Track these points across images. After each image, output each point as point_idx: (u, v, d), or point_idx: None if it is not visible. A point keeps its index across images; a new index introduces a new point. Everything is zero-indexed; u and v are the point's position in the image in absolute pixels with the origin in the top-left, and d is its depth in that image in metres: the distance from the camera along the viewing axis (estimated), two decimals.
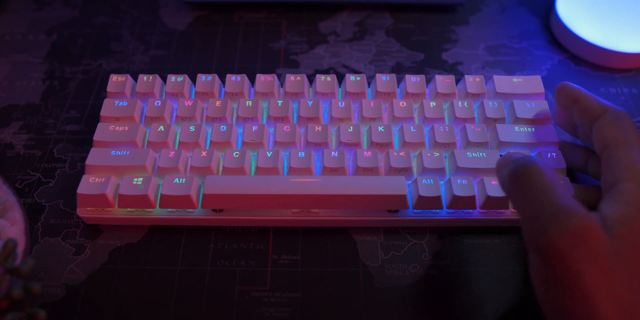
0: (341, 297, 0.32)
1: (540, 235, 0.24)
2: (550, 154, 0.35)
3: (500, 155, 0.36)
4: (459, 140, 0.37)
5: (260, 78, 0.39)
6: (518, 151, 0.30)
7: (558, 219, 0.24)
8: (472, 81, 0.39)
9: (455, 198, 0.33)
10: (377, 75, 0.39)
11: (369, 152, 0.35)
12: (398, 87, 0.40)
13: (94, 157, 0.35)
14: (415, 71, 0.45)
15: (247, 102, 0.38)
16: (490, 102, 0.38)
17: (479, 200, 0.34)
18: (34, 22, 0.49)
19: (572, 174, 0.37)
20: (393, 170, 0.35)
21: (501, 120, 0.37)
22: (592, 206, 0.34)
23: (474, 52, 0.46)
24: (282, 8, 0.50)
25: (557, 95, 0.34)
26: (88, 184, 0.34)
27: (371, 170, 0.35)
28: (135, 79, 0.42)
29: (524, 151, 0.35)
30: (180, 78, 0.39)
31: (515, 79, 0.39)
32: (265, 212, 0.35)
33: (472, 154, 0.35)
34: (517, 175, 0.27)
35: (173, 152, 0.35)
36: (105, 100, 0.38)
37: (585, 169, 0.35)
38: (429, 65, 0.45)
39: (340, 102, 0.38)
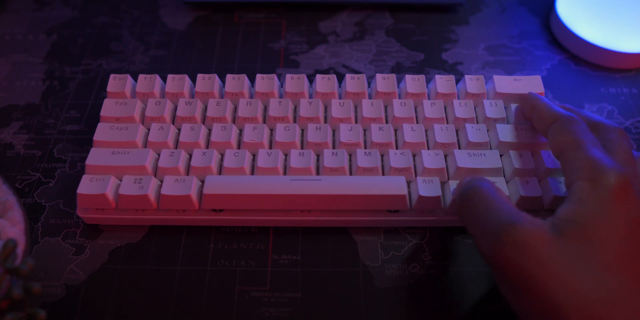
0: (341, 297, 0.32)
1: (490, 250, 0.26)
2: (551, 154, 0.35)
3: (500, 156, 0.36)
4: (459, 140, 0.37)
5: (260, 78, 0.39)
6: (473, 175, 0.32)
7: (500, 233, 0.26)
8: (472, 81, 0.39)
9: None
10: (377, 75, 0.39)
11: (369, 152, 0.35)
12: (398, 87, 0.40)
13: (94, 157, 0.35)
14: (415, 71, 0.45)
15: (247, 102, 0.38)
16: (490, 102, 0.38)
17: None
18: (34, 22, 0.49)
19: None
20: (393, 170, 0.35)
21: (501, 120, 0.37)
22: None
23: (474, 52, 0.46)
24: (282, 8, 0.50)
25: (522, 105, 0.36)
26: (88, 184, 0.34)
27: (371, 170, 0.35)
28: (135, 79, 0.42)
29: (521, 153, 0.35)
30: (180, 78, 0.39)
31: (515, 79, 0.39)
32: (265, 212, 0.35)
33: (472, 154, 0.35)
34: (462, 199, 0.30)
35: (173, 152, 0.35)
36: (105, 100, 0.38)
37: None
38: (429, 65, 0.45)
39: (340, 102, 0.38)
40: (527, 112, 0.35)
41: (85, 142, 0.40)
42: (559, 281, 0.24)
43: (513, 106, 0.37)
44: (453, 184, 0.34)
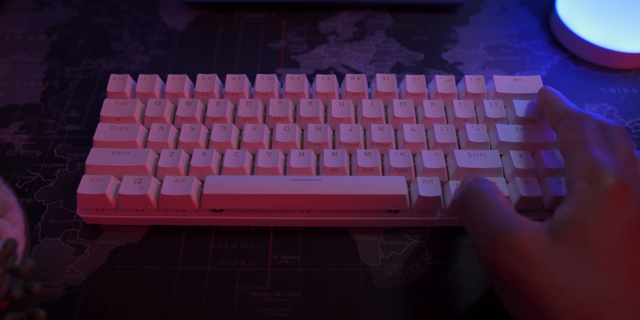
0: (341, 297, 0.32)
1: (484, 254, 0.26)
2: (551, 154, 0.35)
3: (500, 156, 0.36)
4: (459, 140, 0.37)
5: (260, 78, 0.39)
6: (474, 175, 0.32)
7: (495, 237, 0.26)
8: (472, 81, 0.39)
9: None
10: (377, 75, 0.39)
11: (369, 152, 0.35)
12: (398, 87, 0.40)
13: (94, 157, 0.35)
14: (415, 71, 0.45)
15: (247, 102, 0.38)
16: (490, 102, 0.38)
17: None
18: (34, 22, 0.49)
19: None
20: (393, 170, 0.35)
21: (501, 120, 0.37)
22: None
23: (474, 52, 0.46)
24: (282, 8, 0.50)
25: (537, 99, 0.36)
26: (88, 184, 0.34)
27: (371, 170, 0.35)
28: (135, 79, 0.42)
29: (521, 153, 0.35)
30: (180, 78, 0.39)
31: (515, 79, 0.39)
32: (265, 212, 0.35)
33: (472, 154, 0.35)
34: (461, 202, 0.30)
35: (173, 152, 0.35)
36: (105, 100, 0.38)
37: None
38: (429, 65, 0.45)
39: (340, 102, 0.38)
40: (539, 106, 0.35)
41: (85, 142, 0.40)
42: (552, 284, 0.24)
43: (515, 103, 0.37)
44: (453, 184, 0.34)
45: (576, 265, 0.24)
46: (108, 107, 0.38)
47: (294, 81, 0.39)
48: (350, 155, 0.36)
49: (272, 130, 0.38)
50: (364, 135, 0.37)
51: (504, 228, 0.26)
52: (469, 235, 0.28)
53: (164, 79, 0.40)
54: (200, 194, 0.34)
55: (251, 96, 0.40)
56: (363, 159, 0.35)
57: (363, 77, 0.39)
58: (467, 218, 0.29)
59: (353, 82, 0.39)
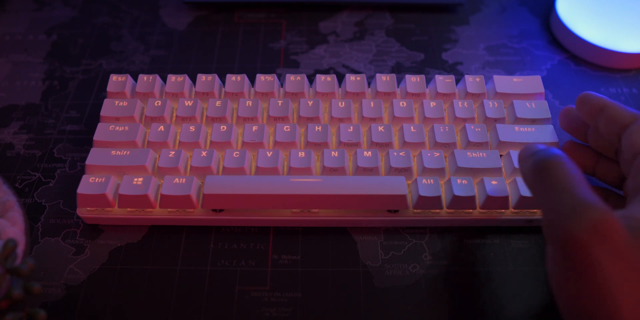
0: (341, 297, 0.32)
1: (561, 228, 0.24)
2: None
3: (500, 156, 0.36)
4: (459, 140, 0.37)
5: (260, 78, 0.39)
6: (539, 143, 0.30)
7: (579, 212, 0.24)
8: (472, 81, 0.39)
9: (455, 198, 0.33)
10: (377, 75, 0.40)
11: (369, 152, 0.35)
12: (398, 87, 0.40)
13: (94, 157, 0.35)
14: (415, 71, 0.45)
15: (247, 102, 0.38)
16: (490, 102, 0.38)
17: (479, 200, 0.34)
18: (34, 22, 0.49)
19: None
20: (393, 170, 0.35)
21: (501, 120, 0.37)
22: (586, 170, 0.34)
23: (474, 52, 0.46)
24: (282, 8, 0.50)
25: (580, 104, 0.34)
26: (88, 184, 0.34)
27: (371, 170, 0.35)
28: (135, 79, 0.42)
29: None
30: (180, 78, 0.39)
31: (515, 79, 0.39)
32: (265, 212, 0.35)
33: (472, 154, 0.35)
34: (539, 168, 0.27)
35: (173, 152, 0.35)
36: (105, 100, 0.38)
37: (593, 172, 0.35)
38: (429, 65, 0.45)
39: (340, 102, 0.38)
40: (590, 112, 0.33)
41: (85, 142, 0.40)
42: (627, 281, 0.23)
43: (515, 103, 0.37)
44: (454, 182, 0.34)
45: None
46: (108, 107, 0.38)
47: (294, 81, 0.39)
48: (350, 155, 0.36)
49: (272, 130, 0.38)
50: (364, 135, 0.37)
51: (592, 204, 0.24)
52: (542, 204, 0.26)
53: (164, 79, 0.40)
54: (200, 194, 0.34)
55: (251, 96, 0.40)
56: (363, 159, 0.35)
57: (363, 77, 0.39)
58: (546, 185, 0.26)
59: (353, 82, 0.39)
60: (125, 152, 0.35)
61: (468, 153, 0.35)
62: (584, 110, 0.33)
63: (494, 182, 0.34)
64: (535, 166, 0.27)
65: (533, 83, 0.39)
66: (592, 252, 0.23)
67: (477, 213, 0.34)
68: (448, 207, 0.34)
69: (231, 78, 0.40)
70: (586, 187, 0.25)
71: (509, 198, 0.34)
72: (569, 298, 0.25)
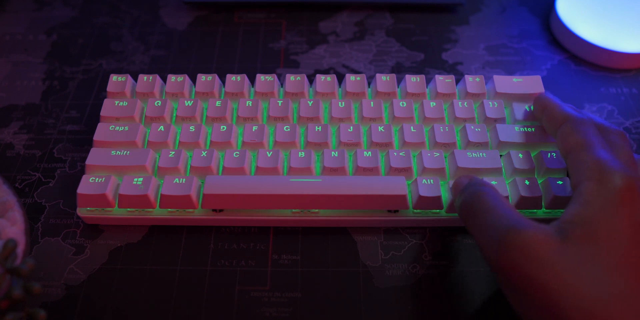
0: (341, 297, 0.32)
1: (493, 256, 0.26)
2: (550, 154, 0.35)
3: (500, 155, 0.36)
4: (459, 140, 0.37)
5: (260, 78, 0.39)
6: (465, 176, 0.32)
7: (503, 239, 0.26)
8: (472, 81, 0.39)
9: None
10: (377, 75, 0.40)
11: (369, 152, 0.35)
12: (398, 87, 0.40)
13: (94, 157, 0.35)
14: (415, 71, 0.45)
15: (247, 102, 0.38)
16: (490, 102, 0.38)
17: None
18: (34, 22, 0.49)
19: None
20: (393, 170, 0.35)
21: (501, 120, 0.37)
22: None
23: (474, 52, 0.46)
24: (282, 8, 0.50)
25: (534, 106, 0.36)
26: (88, 184, 0.34)
27: (371, 170, 0.35)
28: (135, 79, 0.42)
29: (521, 153, 0.35)
30: (180, 78, 0.39)
31: (515, 79, 0.39)
32: (265, 212, 0.35)
33: (472, 154, 0.35)
34: (465, 207, 0.30)
35: (173, 152, 0.35)
36: (105, 100, 0.38)
37: None
38: (429, 65, 0.45)
39: (340, 102, 0.38)
40: (536, 112, 0.35)
41: (85, 142, 0.40)
42: (562, 284, 0.24)
43: (514, 105, 0.37)
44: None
45: (586, 265, 0.24)
46: (108, 107, 0.38)
47: (294, 81, 0.39)
48: (350, 155, 0.36)
49: (272, 130, 0.38)
50: (364, 135, 0.37)
51: (512, 229, 0.26)
52: (475, 239, 0.28)
53: (164, 79, 0.40)
54: (200, 194, 0.34)
55: (251, 96, 0.40)
56: (363, 159, 0.35)
57: (363, 77, 0.39)
58: (473, 222, 0.29)
59: (353, 82, 0.39)
60: (125, 152, 0.35)
61: (468, 153, 0.35)
62: (535, 112, 0.36)
63: (493, 182, 0.34)
64: (461, 207, 0.30)
65: (533, 83, 0.39)
66: (524, 271, 0.25)
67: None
68: (448, 208, 0.34)
69: (231, 78, 0.40)
70: (507, 213, 0.27)
71: (509, 198, 0.34)
72: (526, 317, 0.26)
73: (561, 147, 0.30)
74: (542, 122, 0.34)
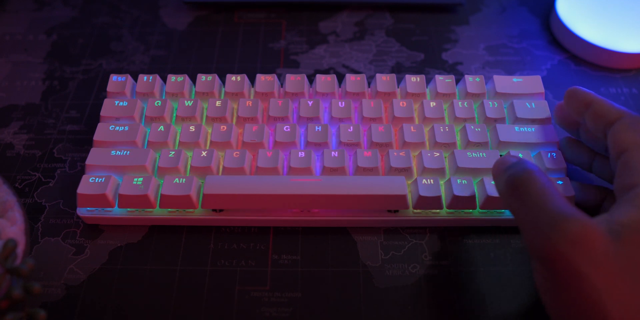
0: (341, 297, 0.32)
1: (541, 242, 0.24)
2: (550, 154, 0.35)
3: (500, 155, 0.36)
4: (459, 140, 0.37)
5: (260, 78, 0.39)
6: (512, 155, 0.30)
7: (557, 225, 0.24)
8: (472, 81, 0.39)
9: (455, 198, 0.33)
10: (377, 75, 0.40)
11: (369, 152, 0.35)
12: (398, 87, 0.40)
13: (94, 157, 0.35)
14: (415, 71, 0.45)
15: (247, 102, 0.38)
16: (490, 102, 0.38)
17: (479, 200, 0.34)
18: (34, 22, 0.49)
19: (572, 172, 0.37)
20: (393, 170, 0.35)
21: (501, 120, 0.37)
22: (592, 205, 0.34)
23: (474, 52, 0.46)
24: (282, 8, 0.50)
25: (568, 99, 0.33)
26: (88, 184, 0.34)
27: (371, 170, 0.35)
28: (135, 79, 0.42)
29: (521, 153, 0.35)
30: (180, 78, 0.39)
31: (515, 79, 0.39)
32: (265, 212, 0.35)
33: (472, 154, 0.35)
34: (513, 184, 0.27)
35: (173, 152, 0.35)
36: (105, 100, 0.38)
37: (590, 168, 0.35)
38: (429, 65, 0.45)
39: (340, 102, 0.38)
40: (577, 107, 0.32)
41: (85, 142, 0.40)
42: (611, 286, 0.23)
43: (515, 103, 0.37)
44: (454, 182, 0.34)
45: (637, 272, 0.23)
46: (108, 107, 0.38)
47: (294, 81, 0.39)
48: (350, 155, 0.36)
49: (272, 130, 0.38)
50: (364, 135, 0.37)
51: (568, 217, 0.24)
52: (518, 220, 0.27)
53: (164, 79, 0.40)
54: (200, 194, 0.34)
55: (251, 96, 0.40)
56: (363, 159, 0.35)
57: (363, 77, 0.39)
58: (521, 201, 0.26)
59: (353, 82, 0.39)
60: (125, 152, 0.35)
61: (468, 153, 0.35)
62: (571, 106, 0.33)
63: (492, 182, 0.34)
64: (509, 183, 0.27)
65: (533, 83, 0.39)
66: (573, 263, 0.23)
67: (477, 213, 0.34)
68: (448, 207, 0.34)
69: (231, 78, 0.40)
70: (561, 200, 0.25)
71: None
72: (559, 311, 0.25)
73: (615, 144, 0.29)
74: (586, 117, 0.32)
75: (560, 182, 0.33)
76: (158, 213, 0.35)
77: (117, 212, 0.35)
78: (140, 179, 0.34)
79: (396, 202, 0.33)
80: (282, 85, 0.41)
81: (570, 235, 0.24)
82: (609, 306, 0.23)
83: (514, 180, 0.27)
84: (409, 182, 0.35)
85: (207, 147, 0.37)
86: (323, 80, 0.39)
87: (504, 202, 0.28)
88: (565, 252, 0.24)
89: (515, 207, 0.27)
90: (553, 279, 0.25)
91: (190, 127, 0.37)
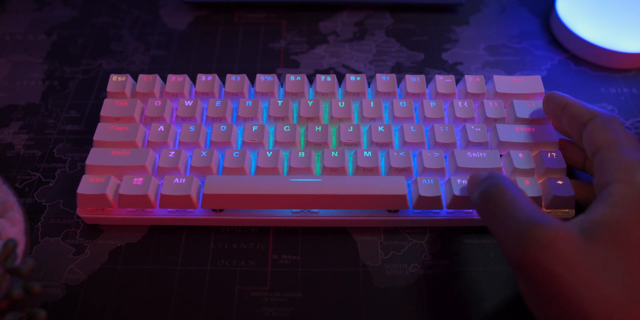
0: (341, 297, 0.32)
1: (515, 251, 0.25)
2: (551, 154, 0.35)
3: (501, 156, 0.36)
4: (459, 140, 0.37)
5: (260, 78, 0.39)
6: (483, 169, 0.31)
7: (527, 232, 0.25)
8: (472, 81, 0.39)
9: (455, 198, 0.33)
10: (377, 75, 0.40)
11: (369, 152, 0.35)
12: (398, 87, 0.40)
13: (94, 157, 0.35)
14: (415, 71, 0.45)
15: (247, 102, 0.38)
16: (490, 102, 0.38)
17: None
18: (34, 22, 0.49)
19: (572, 172, 0.37)
20: (393, 170, 0.35)
21: (501, 120, 0.37)
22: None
23: (474, 52, 0.46)
24: (282, 8, 0.50)
25: (545, 104, 0.35)
26: (88, 184, 0.34)
27: (371, 170, 0.35)
28: (135, 79, 0.42)
29: (521, 153, 0.35)
30: (180, 78, 0.39)
31: (515, 79, 0.39)
32: (265, 212, 0.35)
33: (472, 154, 0.35)
34: (485, 199, 0.28)
35: (173, 152, 0.35)
36: (105, 100, 0.38)
37: (584, 167, 0.35)
38: (429, 65, 0.45)
39: (340, 102, 0.38)
40: (553, 110, 0.34)
41: (85, 142, 0.40)
42: (586, 284, 0.23)
43: (515, 103, 0.37)
44: (454, 182, 0.34)
45: (612, 267, 0.24)
46: (108, 107, 0.38)
47: (294, 81, 0.39)
48: (350, 155, 0.36)
49: (272, 130, 0.38)
50: (364, 135, 0.37)
51: (537, 223, 0.25)
52: (494, 232, 0.27)
53: (164, 79, 0.40)
54: (200, 194, 0.34)
55: (251, 96, 0.40)
56: (363, 159, 0.35)
57: (363, 77, 0.39)
58: (493, 214, 0.27)
59: (353, 82, 0.39)
60: (125, 152, 0.35)
61: (468, 153, 0.35)
62: (549, 110, 0.35)
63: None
64: (481, 199, 0.29)
65: (533, 83, 0.39)
66: (547, 266, 0.24)
67: (476, 213, 0.34)
68: (448, 207, 0.34)
69: (231, 78, 0.40)
70: (530, 208, 0.26)
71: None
72: (545, 317, 0.25)
73: (590, 144, 0.30)
74: (562, 120, 0.33)
75: (560, 182, 0.33)
76: (158, 213, 0.35)
77: (117, 212, 0.35)
78: (140, 179, 0.34)
79: (396, 202, 0.33)
80: (282, 85, 0.41)
81: (541, 240, 0.24)
82: (588, 304, 0.23)
83: (485, 195, 0.28)
84: (409, 182, 0.35)
85: (207, 147, 0.37)
86: (323, 80, 0.39)
87: (480, 217, 0.29)
88: (537, 256, 0.24)
89: (489, 220, 0.28)
90: (532, 285, 0.25)
91: (190, 127, 0.37)
